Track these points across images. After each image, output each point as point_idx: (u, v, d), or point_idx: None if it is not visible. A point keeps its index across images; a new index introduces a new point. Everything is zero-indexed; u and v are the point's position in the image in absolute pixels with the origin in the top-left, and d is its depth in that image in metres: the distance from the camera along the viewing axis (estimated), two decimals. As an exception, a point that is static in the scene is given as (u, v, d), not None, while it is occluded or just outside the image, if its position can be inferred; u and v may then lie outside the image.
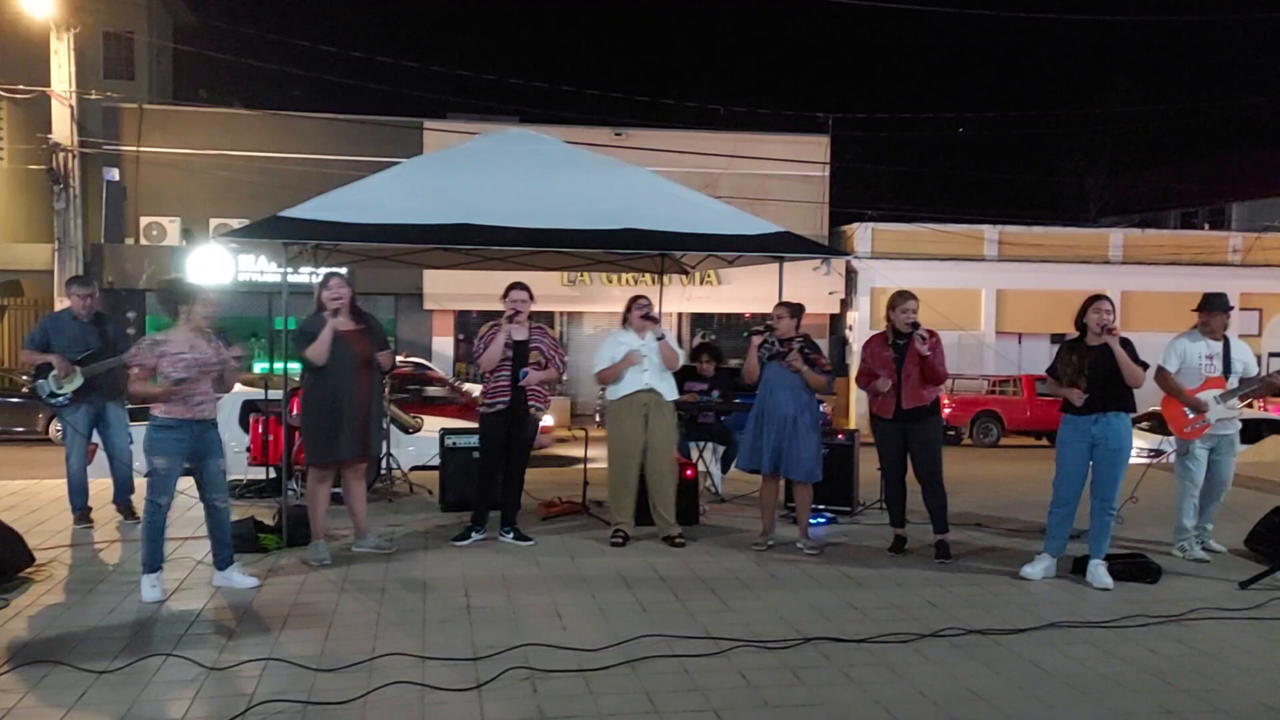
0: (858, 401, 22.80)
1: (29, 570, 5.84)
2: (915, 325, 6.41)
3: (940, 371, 6.47)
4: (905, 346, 6.45)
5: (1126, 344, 5.91)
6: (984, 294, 23.61)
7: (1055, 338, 20.58)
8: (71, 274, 19.22)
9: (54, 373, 6.88)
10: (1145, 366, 5.92)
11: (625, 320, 6.92)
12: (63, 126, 18.90)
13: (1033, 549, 6.41)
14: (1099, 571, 5.94)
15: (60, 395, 6.92)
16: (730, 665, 4.55)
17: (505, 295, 6.73)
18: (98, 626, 4.98)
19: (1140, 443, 14.37)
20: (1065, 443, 6.07)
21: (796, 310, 6.80)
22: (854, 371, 23.14)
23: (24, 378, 18.67)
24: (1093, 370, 5.88)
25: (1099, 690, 4.35)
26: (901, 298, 6.52)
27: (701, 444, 8.69)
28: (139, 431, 7.42)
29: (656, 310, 7.05)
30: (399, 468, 8.99)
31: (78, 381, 6.89)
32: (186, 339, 5.47)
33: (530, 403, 6.71)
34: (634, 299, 6.93)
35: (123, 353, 5.98)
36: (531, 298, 6.76)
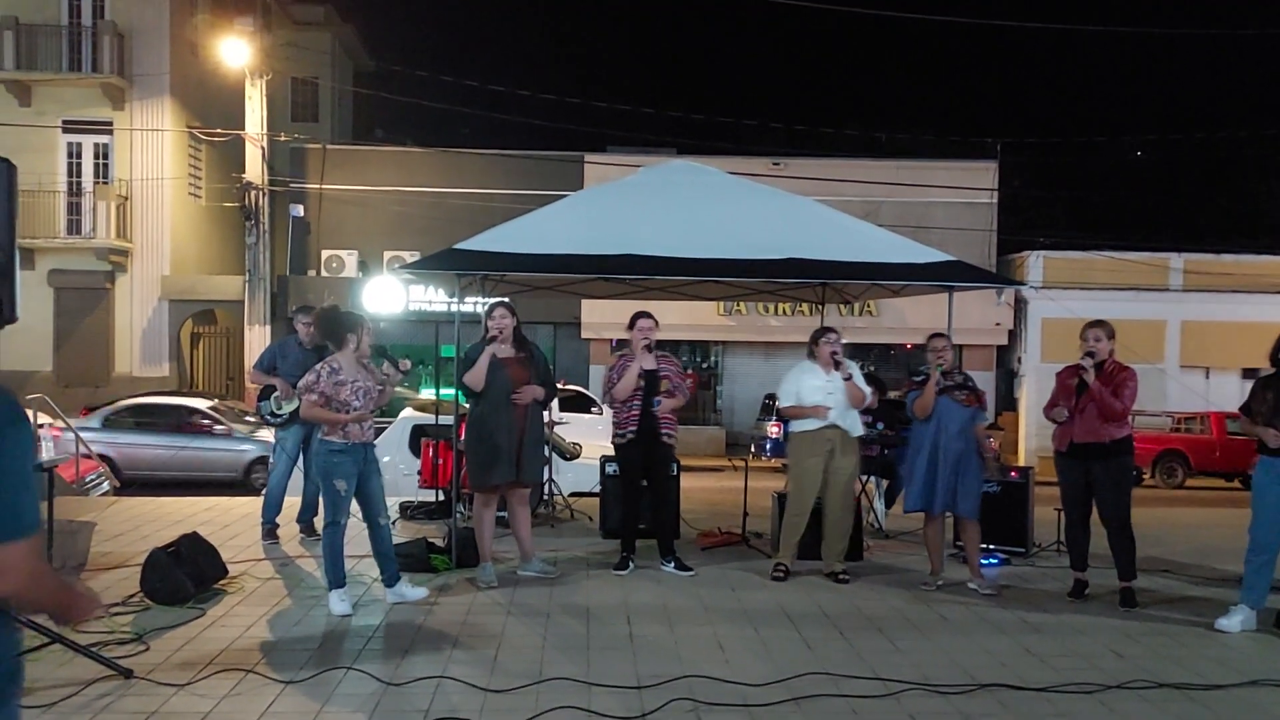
0: (1027, 437, 21.82)
1: (223, 582, 6.23)
2: (1091, 354, 6.10)
3: (1111, 405, 6.05)
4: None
5: None
6: (1168, 326, 22.24)
7: (1247, 373, 19.14)
8: (260, 304, 20.54)
9: (276, 394, 7.41)
10: None
11: (811, 352, 6.78)
12: (254, 166, 20.30)
13: (1228, 600, 5.95)
14: (1309, 627, 5.47)
15: (279, 416, 7.45)
16: (900, 708, 4.40)
17: (632, 325, 6.79)
18: (285, 638, 5.26)
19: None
20: (1262, 486, 5.66)
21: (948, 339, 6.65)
22: (1023, 405, 22.34)
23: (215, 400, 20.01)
24: None
25: (1313, 758, 4.00)
26: (1089, 326, 6.23)
27: (865, 477, 8.48)
28: None
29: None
30: (560, 493, 9.15)
31: (295, 404, 7.36)
32: (355, 367, 5.73)
33: (664, 430, 6.79)
34: (823, 331, 6.79)
35: None
36: (656, 325, 6.82)
